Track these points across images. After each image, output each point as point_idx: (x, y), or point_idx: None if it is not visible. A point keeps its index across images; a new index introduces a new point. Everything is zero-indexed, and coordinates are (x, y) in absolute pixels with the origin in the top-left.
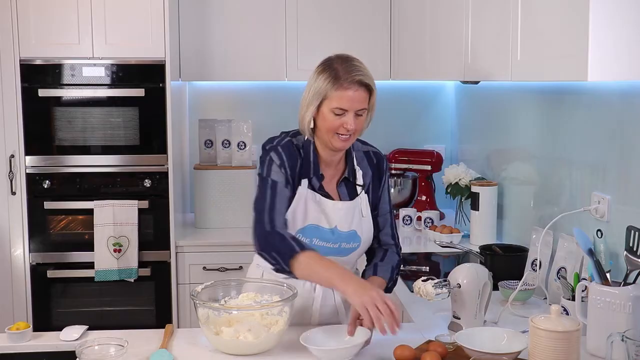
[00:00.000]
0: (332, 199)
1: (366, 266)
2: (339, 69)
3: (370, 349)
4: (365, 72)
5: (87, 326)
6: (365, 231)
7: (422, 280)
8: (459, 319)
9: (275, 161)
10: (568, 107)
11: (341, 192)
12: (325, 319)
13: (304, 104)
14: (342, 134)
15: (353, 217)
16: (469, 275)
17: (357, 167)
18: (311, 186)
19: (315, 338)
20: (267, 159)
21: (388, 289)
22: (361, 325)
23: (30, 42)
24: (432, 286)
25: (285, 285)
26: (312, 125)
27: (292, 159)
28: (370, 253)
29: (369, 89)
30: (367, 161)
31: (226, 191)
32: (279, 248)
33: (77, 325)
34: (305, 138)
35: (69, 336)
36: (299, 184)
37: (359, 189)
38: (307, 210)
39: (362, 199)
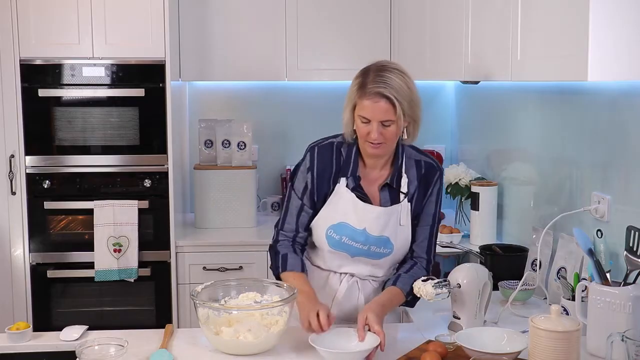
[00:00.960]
0: (369, 200)
1: (392, 275)
2: (368, 77)
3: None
4: (390, 84)
5: (87, 326)
6: (400, 239)
7: (422, 280)
8: (459, 319)
9: (305, 163)
10: (568, 107)
11: (383, 196)
12: (346, 315)
13: (344, 107)
14: (371, 142)
15: (388, 223)
16: (469, 275)
17: (404, 175)
18: (347, 185)
19: (323, 339)
20: (303, 157)
21: (408, 303)
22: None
23: (30, 42)
24: (432, 286)
25: (285, 285)
26: (353, 128)
27: (325, 160)
28: (400, 263)
29: (390, 101)
30: (415, 170)
31: (226, 191)
32: (272, 260)
33: (77, 325)
34: (354, 139)
35: (69, 336)
36: (338, 181)
37: (401, 196)
38: (341, 207)
39: (403, 207)
